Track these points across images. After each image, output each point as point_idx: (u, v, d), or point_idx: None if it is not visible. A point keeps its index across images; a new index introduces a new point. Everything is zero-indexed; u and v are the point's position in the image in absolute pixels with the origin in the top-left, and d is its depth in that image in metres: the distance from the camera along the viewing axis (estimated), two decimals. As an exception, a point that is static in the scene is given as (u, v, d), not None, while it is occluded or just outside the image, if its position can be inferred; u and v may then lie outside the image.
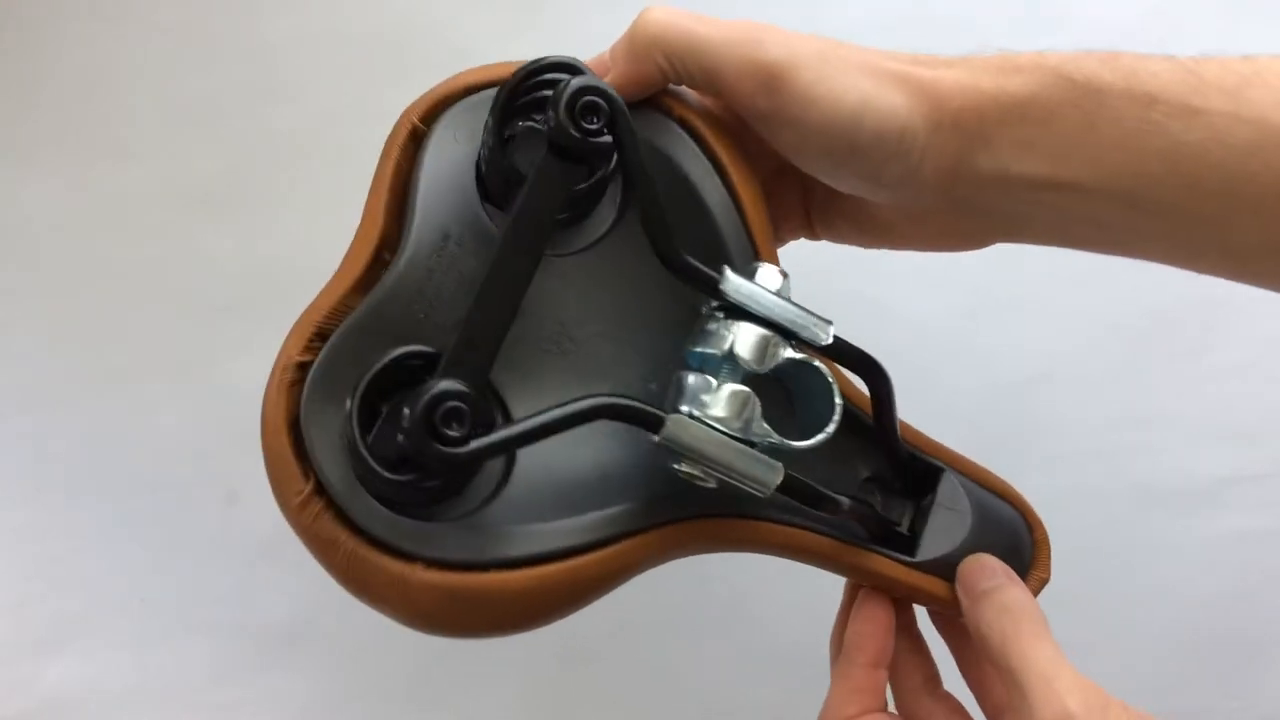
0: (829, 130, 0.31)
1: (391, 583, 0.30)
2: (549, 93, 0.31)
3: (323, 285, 0.33)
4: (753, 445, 0.31)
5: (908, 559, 0.35)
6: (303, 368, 0.31)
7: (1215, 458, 0.59)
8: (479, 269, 0.31)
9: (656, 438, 0.30)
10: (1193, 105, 0.29)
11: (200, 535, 0.57)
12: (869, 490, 0.36)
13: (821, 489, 0.33)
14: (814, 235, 0.40)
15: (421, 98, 0.34)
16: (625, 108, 0.30)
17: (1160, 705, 0.60)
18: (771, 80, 0.31)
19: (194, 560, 0.57)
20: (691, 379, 0.31)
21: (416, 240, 0.32)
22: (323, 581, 0.31)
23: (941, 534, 0.36)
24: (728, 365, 0.31)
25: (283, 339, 0.32)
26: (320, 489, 0.30)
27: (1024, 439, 0.59)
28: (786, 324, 0.31)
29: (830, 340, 0.32)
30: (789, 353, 0.31)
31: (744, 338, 0.31)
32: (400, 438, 0.28)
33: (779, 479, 0.31)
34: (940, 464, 0.36)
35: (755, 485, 0.31)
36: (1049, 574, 0.38)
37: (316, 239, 0.59)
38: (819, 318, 0.32)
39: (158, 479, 0.57)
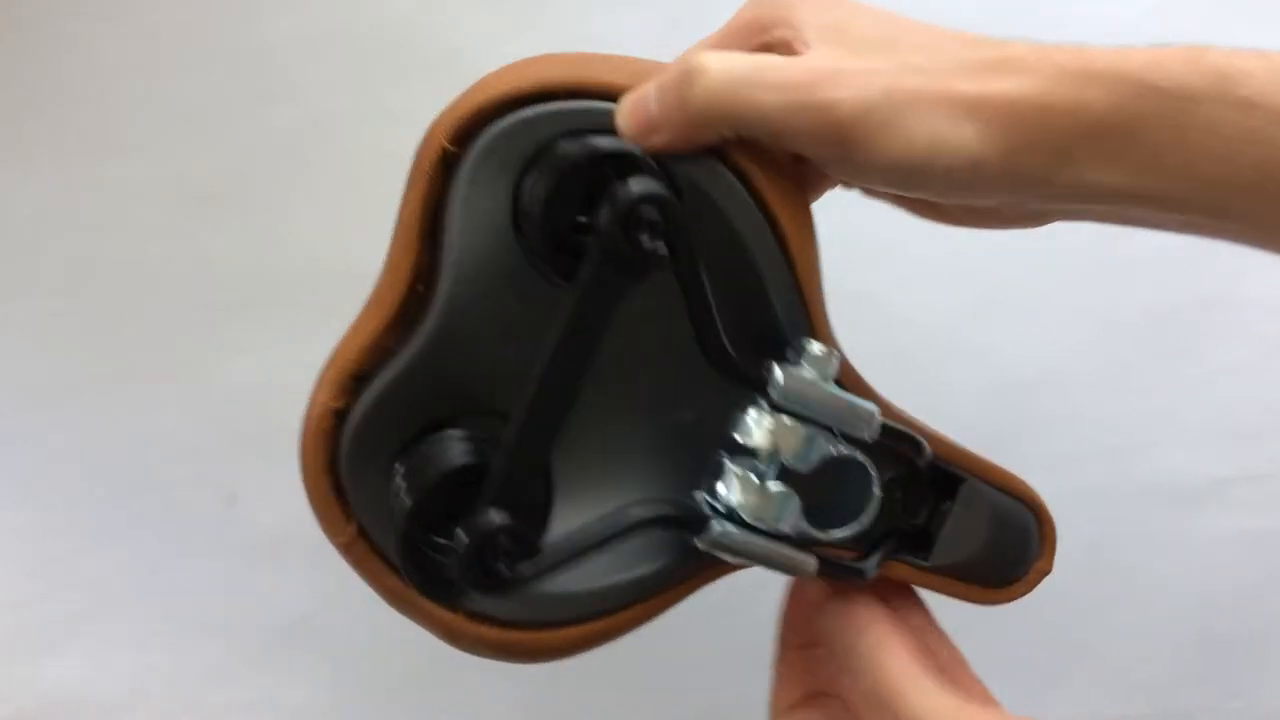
0: (896, 171, 0.29)
1: (437, 624, 0.31)
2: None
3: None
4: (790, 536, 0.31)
5: (922, 563, 0.36)
6: (339, 414, 0.30)
7: (1215, 458, 0.59)
8: (519, 310, 0.30)
9: (700, 544, 0.30)
10: None
11: (200, 535, 0.57)
12: (892, 489, 0.36)
13: (850, 565, 0.33)
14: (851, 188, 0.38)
15: (448, 115, 0.30)
16: (685, 220, 0.28)
17: (1161, 705, 0.60)
18: (844, 139, 0.29)
19: (194, 560, 0.57)
20: (732, 470, 0.31)
21: (454, 283, 0.30)
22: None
23: (957, 540, 0.36)
24: (770, 460, 0.31)
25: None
26: (363, 532, 0.30)
27: (1024, 439, 0.59)
28: (833, 424, 0.31)
29: (877, 436, 0.32)
30: (833, 449, 0.31)
31: (789, 441, 0.31)
32: (453, 568, 0.29)
33: (814, 571, 0.32)
34: (961, 473, 0.36)
35: (790, 573, 0.32)
36: (1051, 566, 0.38)
37: (317, 239, 0.59)
38: (864, 408, 0.31)
39: (158, 479, 0.57)
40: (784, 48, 0.31)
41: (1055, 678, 0.60)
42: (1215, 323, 0.59)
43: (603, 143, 0.28)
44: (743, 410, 0.31)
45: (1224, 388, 0.60)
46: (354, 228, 0.59)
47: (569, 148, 0.29)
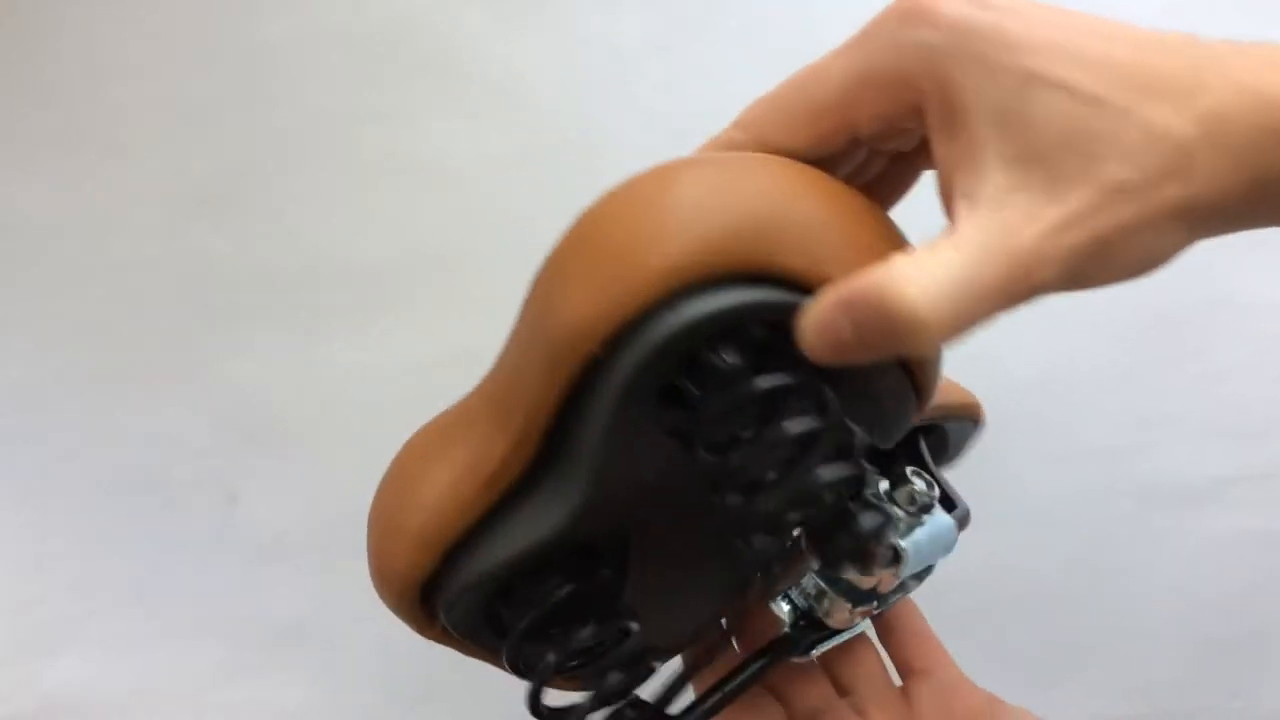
0: (1104, 286, 0.28)
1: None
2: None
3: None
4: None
5: None
6: (437, 572, 0.30)
7: (1215, 458, 0.59)
8: (651, 482, 0.29)
9: (797, 660, 0.35)
10: None
11: (200, 535, 0.57)
12: None
13: (887, 596, 0.36)
14: None
15: (594, 309, 0.25)
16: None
17: (1161, 705, 0.60)
18: (1060, 292, 0.28)
19: (194, 560, 0.57)
20: (828, 598, 0.34)
21: (593, 486, 0.27)
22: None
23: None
24: (867, 595, 0.34)
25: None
26: (447, 631, 0.32)
27: (1024, 439, 0.59)
28: (931, 562, 0.33)
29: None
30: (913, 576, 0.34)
31: (890, 583, 0.33)
32: None
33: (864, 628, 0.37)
34: (935, 423, 0.39)
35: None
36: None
37: (316, 239, 0.59)
38: (951, 536, 0.33)
39: (158, 479, 0.57)
40: (943, 137, 0.28)
41: (1055, 678, 0.60)
42: (1216, 323, 0.59)
43: (826, 474, 0.26)
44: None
45: (1224, 388, 0.60)
46: (354, 228, 0.59)
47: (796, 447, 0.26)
